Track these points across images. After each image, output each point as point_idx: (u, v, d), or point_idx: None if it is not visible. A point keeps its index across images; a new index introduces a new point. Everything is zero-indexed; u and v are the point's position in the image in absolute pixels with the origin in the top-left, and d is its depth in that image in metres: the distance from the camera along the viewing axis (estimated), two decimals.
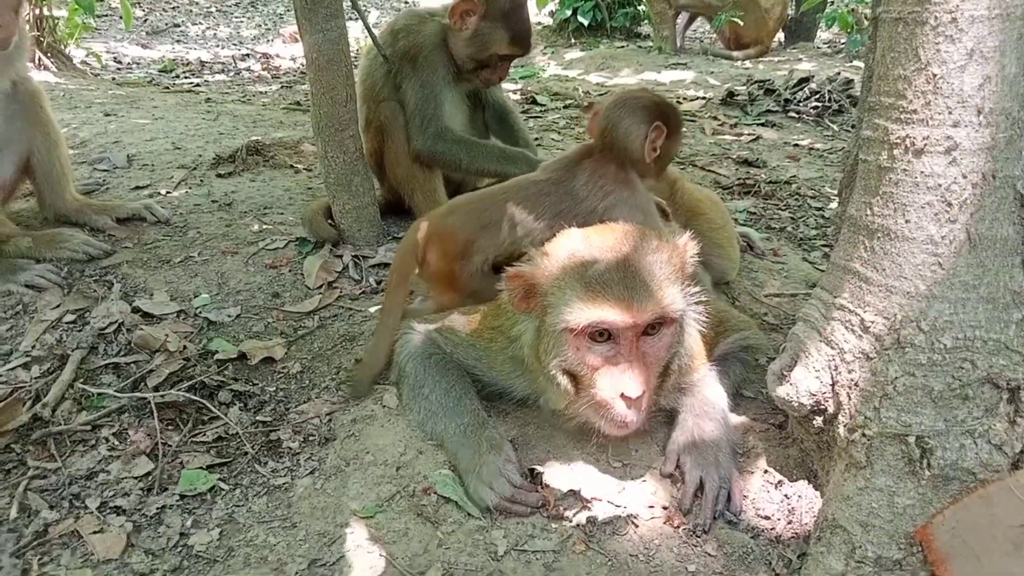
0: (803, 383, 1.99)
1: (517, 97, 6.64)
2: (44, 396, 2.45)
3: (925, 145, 1.68)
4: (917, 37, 1.65)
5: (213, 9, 12.09)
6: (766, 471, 2.24)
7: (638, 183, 2.63)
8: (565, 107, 6.34)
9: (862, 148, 1.87)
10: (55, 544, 2.01)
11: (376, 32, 3.46)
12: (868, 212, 1.82)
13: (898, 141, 1.73)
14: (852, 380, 1.88)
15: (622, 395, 2.04)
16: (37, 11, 6.52)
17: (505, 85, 6.71)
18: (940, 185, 1.69)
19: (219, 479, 2.21)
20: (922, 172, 1.70)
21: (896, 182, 1.75)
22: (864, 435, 1.83)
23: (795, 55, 8.68)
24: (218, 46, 9.89)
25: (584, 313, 2.04)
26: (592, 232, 2.22)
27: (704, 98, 6.64)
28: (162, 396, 2.45)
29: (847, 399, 1.90)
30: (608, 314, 2.02)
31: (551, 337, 2.14)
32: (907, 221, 1.74)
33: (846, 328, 1.90)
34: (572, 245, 2.16)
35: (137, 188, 3.88)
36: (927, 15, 1.62)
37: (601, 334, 2.08)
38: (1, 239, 3.13)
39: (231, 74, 8.25)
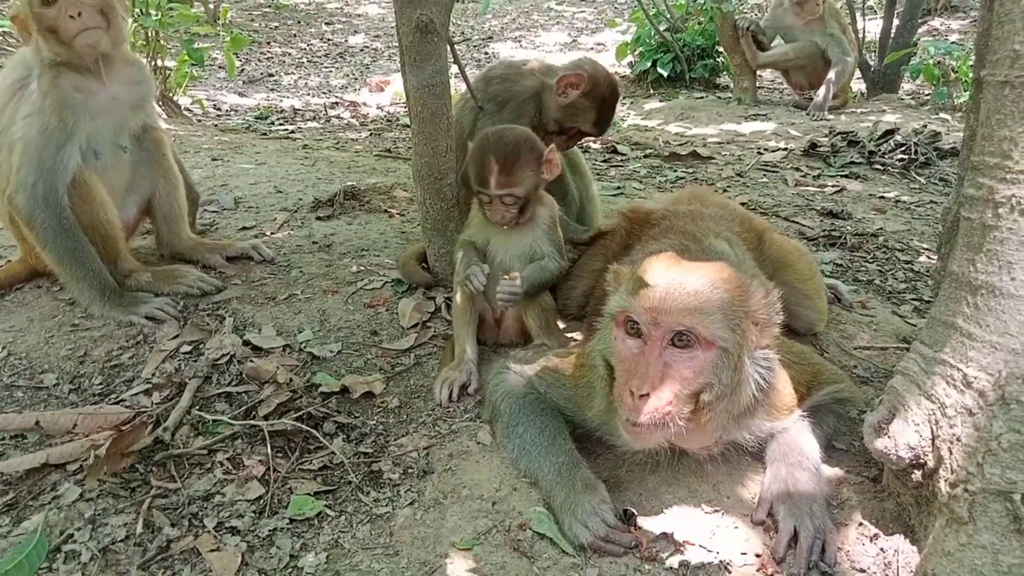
0: (902, 436, 2.00)
1: (598, 146, 6.78)
2: (164, 420, 2.63)
3: None
4: None
5: (304, 60, 12.68)
6: (861, 524, 2.23)
7: None
8: (645, 156, 6.44)
9: (964, 206, 1.90)
10: (176, 559, 2.15)
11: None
12: (971, 269, 1.85)
13: (1003, 200, 1.75)
14: (954, 435, 1.88)
15: (630, 390, 2.05)
16: (154, 62, 7.03)
17: None
18: None
19: (325, 506, 2.33)
20: None
21: (1001, 240, 1.77)
22: (966, 491, 1.83)
23: (878, 106, 8.59)
24: (309, 94, 10.36)
25: (621, 301, 2.15)
26: (690, 258, 2.31)
27: (786, 149, 6.65)
28: (271, 425, 2.60)
29: (948, 454, 1.90)
30: (634, 305, 2.09)
31: (605, 327, 2.25)
32: (1012, 279, 1.76)
33: (947, 383, 1.91)
34: (663, 260, 2.24)
35: (244, 229, 4.13)
36: None
37: (633, 328, 2.13)
38: (124, 274, 3.37)
39: (322, 121, 8.63)
